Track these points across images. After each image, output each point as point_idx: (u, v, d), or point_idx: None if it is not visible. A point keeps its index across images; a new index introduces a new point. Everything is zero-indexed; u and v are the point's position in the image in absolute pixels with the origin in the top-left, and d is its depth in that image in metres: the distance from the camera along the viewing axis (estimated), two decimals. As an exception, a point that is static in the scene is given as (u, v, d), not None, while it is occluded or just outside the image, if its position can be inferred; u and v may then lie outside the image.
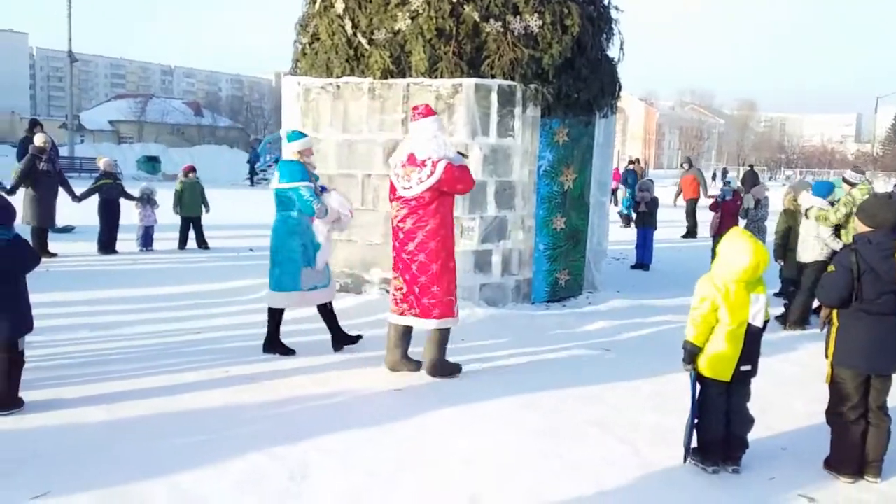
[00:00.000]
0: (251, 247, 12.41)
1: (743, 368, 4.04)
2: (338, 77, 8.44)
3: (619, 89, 9.02)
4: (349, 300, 8.13)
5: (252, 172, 35.80)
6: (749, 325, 4.01)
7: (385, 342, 5.89)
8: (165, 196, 13.05)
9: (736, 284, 4.00)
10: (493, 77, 7.86)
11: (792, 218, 8.16)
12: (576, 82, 8.19)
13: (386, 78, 8.10)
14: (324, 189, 6.28)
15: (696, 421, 4.16)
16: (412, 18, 7.89)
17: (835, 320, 4.06)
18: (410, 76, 8.02)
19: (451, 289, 5.70)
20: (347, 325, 7.19)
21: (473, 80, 7.75)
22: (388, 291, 8.20)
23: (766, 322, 4.09)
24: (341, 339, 6.41)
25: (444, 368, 5.76)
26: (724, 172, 58.44)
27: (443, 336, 5.71)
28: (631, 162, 21.76)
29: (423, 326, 5.66)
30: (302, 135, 6.20)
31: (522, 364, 6.15)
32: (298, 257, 6.00)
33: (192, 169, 13.11)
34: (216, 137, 62.35)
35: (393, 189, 5.73)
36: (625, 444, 4.52)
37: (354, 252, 8.49)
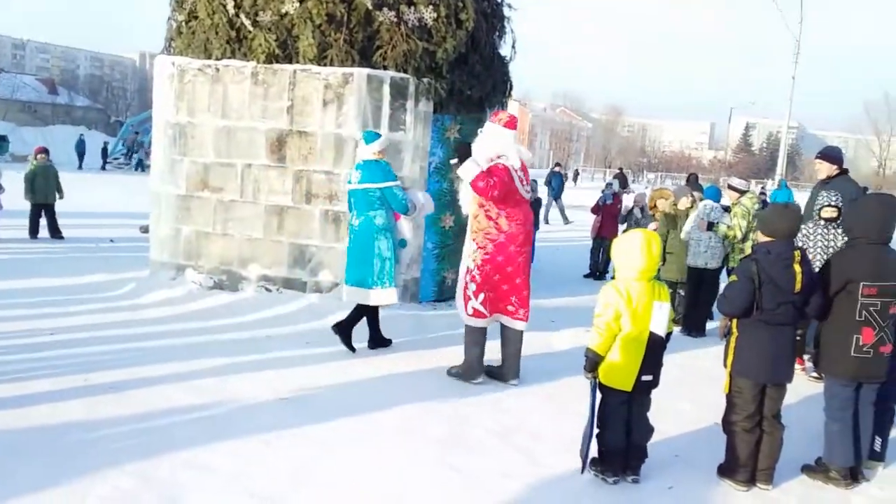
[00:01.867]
0: (111, 237, 11.49)
1: (644, 378, 3.97)
2: (217, 59, 7.86)
3: (511, 88, 8.96)
4: (223, 297, 7.60)
5: (103, 157, 33.86)
6: (651, 334, 3.94)
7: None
8: (14, 179, 11.85)
9: (638, 284, 3.92)
10: (385, 68, 7.56)
11: (672, 222, 8.34)
12: (469, 78, 8.03)
13: (271, 63, 7.62)
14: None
15: (595, 431, 4.06)
16: (300, 2, 7.46)
17: (734, 330, 4.07)
18: (297, 62, 7.58)
19: None
20: (220, 326, 6.73)
21: (366, 71, 7.42)
22: (267, 289, 7.80)
23: (669, 333, 4.04)
24: (378, 341, 6.44)
25: None
26: (577, 174, 60.64)
27: None
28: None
29: (521, 327, 5.72)
30: (378, 135, 6.19)
31: (415, 368, 5.91)
32: (393, 254, 6.05)
33: (44, 151, 11.99)
34: (73, 118, 58.03)
35: (515, 190, 5.54)
36: (525, 454, 4.37)
37: (231, 247, 7.94)
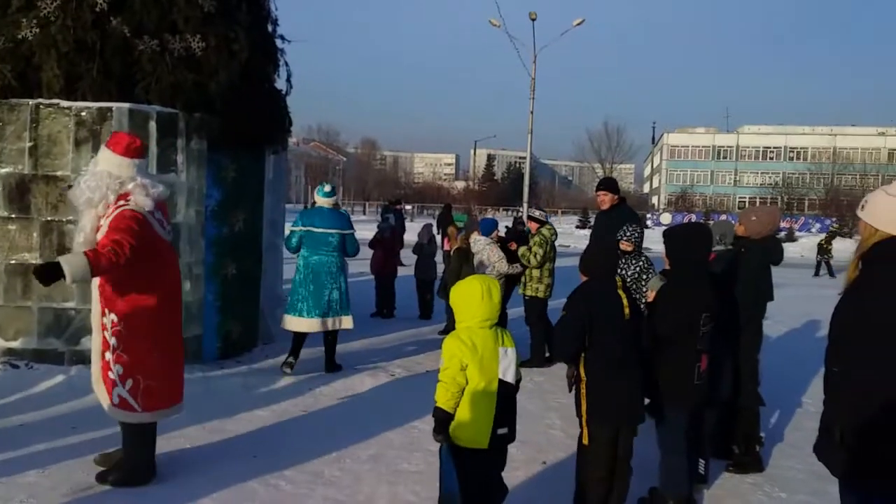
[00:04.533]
0: None
1: (500, 432, 3.69)
2: (-67, 92, 6.49)
3: (290, 123, 8.44)
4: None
5: None
6: (501, 383, 3.68)
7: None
8: None
9: (482, 331, 3.65)
10: (149, 102, 6.71)
11: (465, 256, 8.34)
12: (245, 113, 7.38)
13: (6, 97, 6.43)
14: None
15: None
16: (41, 27, 6.40)
17: (583, 375, 3.94)
18: (41, 96, 6.47)
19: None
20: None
21: (127, 105, 6.52)
22: (14, 366, 6.51)
23: (518, 381, 3.81)
24: (332, 365, 7.29)
25: None
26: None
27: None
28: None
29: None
30: (334, 189, 7.35)
31: (218, 444, 5.16)
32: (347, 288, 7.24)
33: None
34: None
35: (155, 236, 4.36)
36: (368, 534, 3.90)
37: (-38, 318, 6.53)
